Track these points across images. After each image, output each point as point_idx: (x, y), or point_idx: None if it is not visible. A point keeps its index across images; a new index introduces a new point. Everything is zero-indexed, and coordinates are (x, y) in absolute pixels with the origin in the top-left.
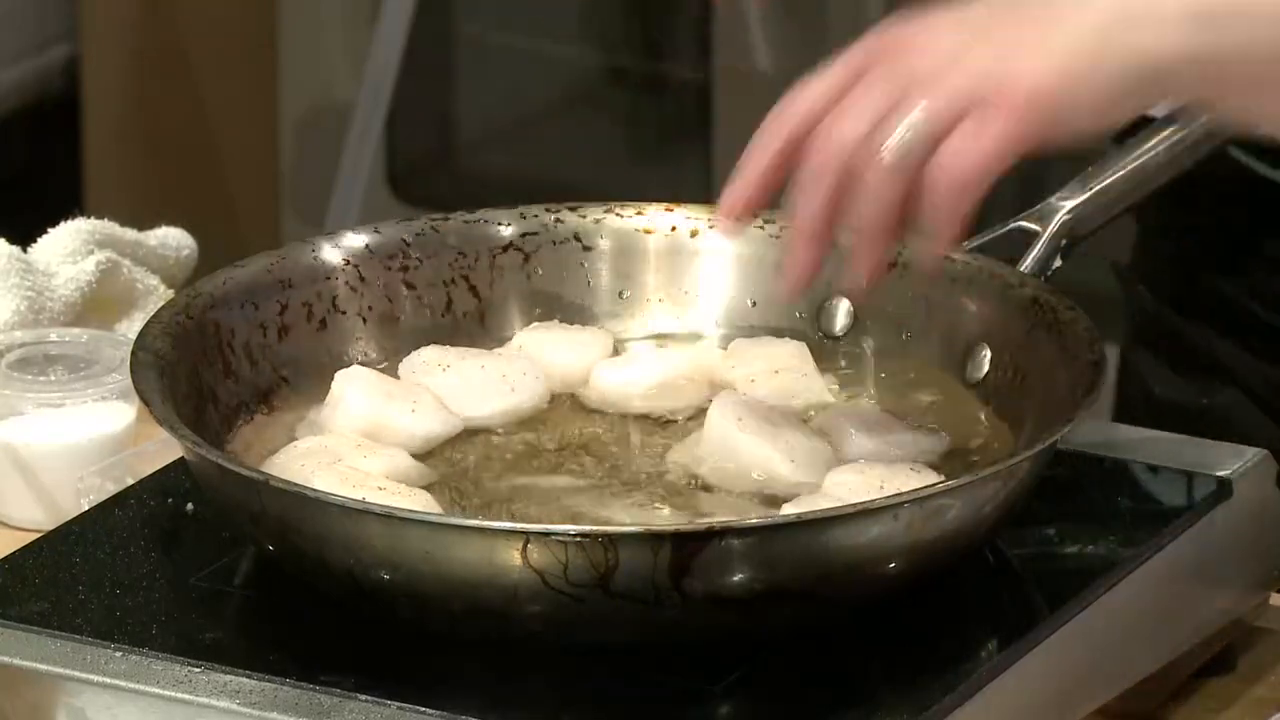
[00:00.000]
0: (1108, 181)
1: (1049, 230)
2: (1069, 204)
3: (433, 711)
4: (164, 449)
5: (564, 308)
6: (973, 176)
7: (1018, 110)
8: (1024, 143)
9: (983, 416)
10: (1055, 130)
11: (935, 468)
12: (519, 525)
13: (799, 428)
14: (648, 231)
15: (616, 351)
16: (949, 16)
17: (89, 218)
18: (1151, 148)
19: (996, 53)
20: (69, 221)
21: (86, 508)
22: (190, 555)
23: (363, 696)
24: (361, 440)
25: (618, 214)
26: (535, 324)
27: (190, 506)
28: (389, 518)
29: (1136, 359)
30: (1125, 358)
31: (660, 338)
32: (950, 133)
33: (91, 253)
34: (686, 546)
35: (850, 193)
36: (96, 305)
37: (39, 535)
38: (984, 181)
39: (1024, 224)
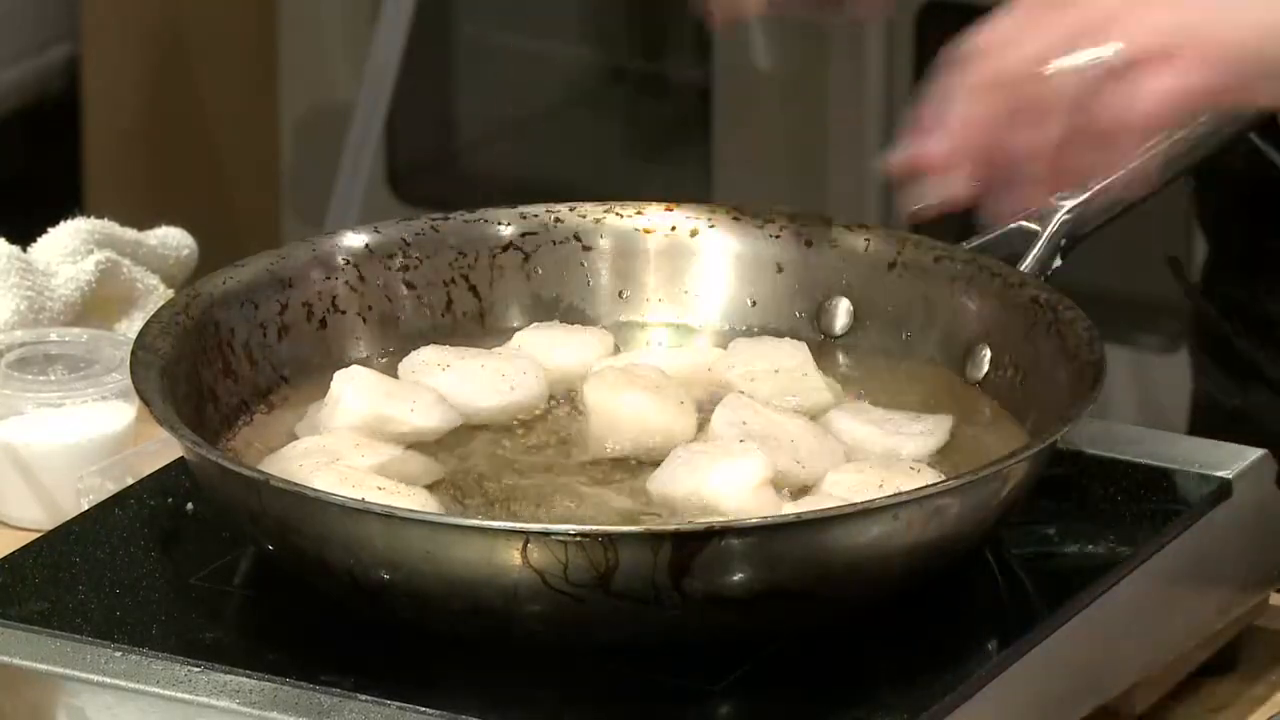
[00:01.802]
0: (1107, 181)
1: (1049, 230)
2: (1069, 204)
3: (433, 711)
4: (164, 449)
5: (564, 308)
6: (1149, 117)
7: (1209, 62)
8: (1208, 97)
9: (982, 416)
10: (1241, 93)
11: (935, 467)
12: (519, 525)
13: (806, 428)
14: (648, 231)
15: (616, 351)
16: None
17: (89, 218)
18: (1151, 147)
19: (1195, 6)
20: (69, 221)
21: (86, 508)
22: (190, 555)
23: (363, 696)
24: (361, 439)
25: (618, 214)
26: (535, 324)
27: (190, 506)
28: (389, 518)
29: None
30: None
31: (660, 338)
32: (1135, 70)
33: (91, 252)
34: (686, 546)
35: (1017, 114)
36: (96, 305)
37: (39, 535)
38: (1157, 126)
39: (1024, 224)
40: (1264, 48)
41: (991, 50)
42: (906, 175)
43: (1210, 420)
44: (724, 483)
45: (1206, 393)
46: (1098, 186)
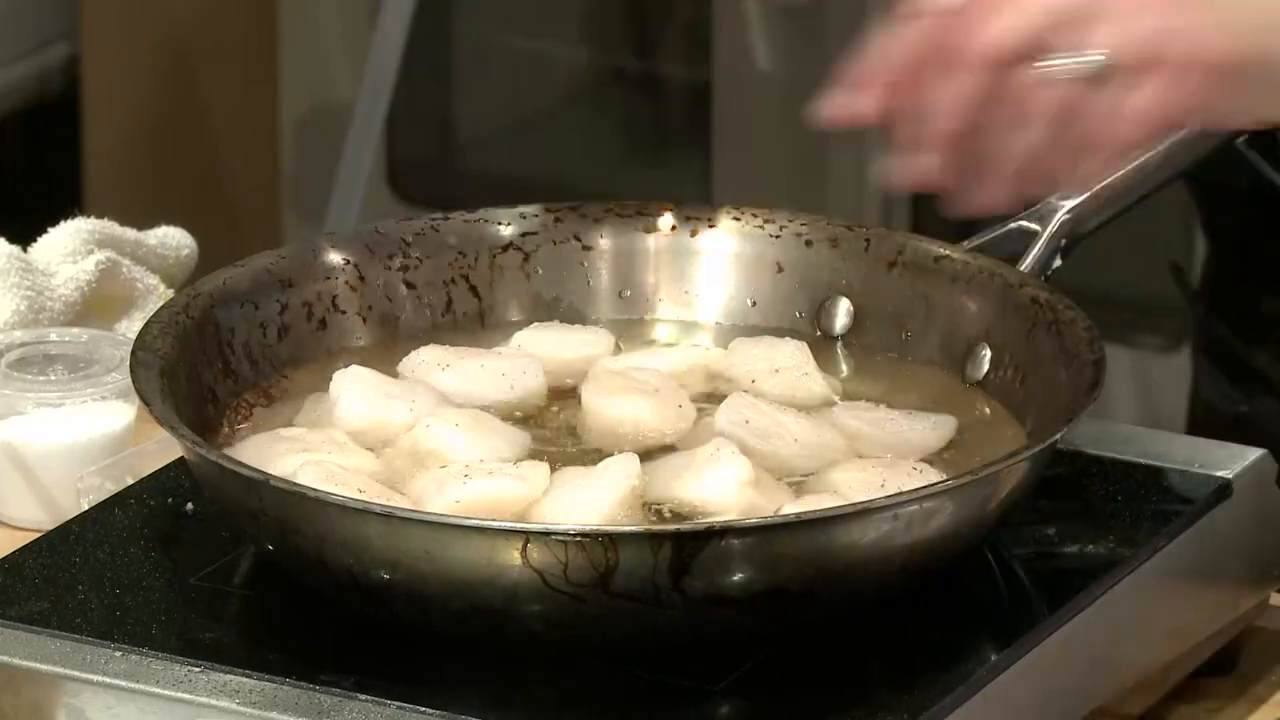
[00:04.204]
0: (1107, 181)
1: (1049, 230)
2: (1069, 204)
3: (433, 711)
4: (164, 449)
5: (564, 308)
6: (1131, 134)
7: (1196, 73)
8: (1194, 111)
9: (982, 416)
10: (1226, 112)
11: (935, 467)
12: (519, 525)
13: (808, 427)
14: (648, 231)
15: (617, 351)
16: None
17: (89, 218)
18: (1151, 146)
19: (1183, 6)
20: (69, 221)
21: (86, 508)
22: (190, 555)
23: (363, 696)
24: (347, 439)
25: (618, 214)
26: (535, 324)
27: (190, 506)
28: (389, 518)
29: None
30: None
31: (660, 337)
32: (1118, 80)
33: (91, 252)
34: (686, 546)
35: (993, 106)
36: (96, 305)
37: (39, 535)
38: (1140, 142)
39: (1024, 224)
40: (1256, 52)
41: (964, 14)
42: (844, 125)
43: (1211, 425)
44: (708, 489)
45: (1207, 399)
46: (1098, 186)
